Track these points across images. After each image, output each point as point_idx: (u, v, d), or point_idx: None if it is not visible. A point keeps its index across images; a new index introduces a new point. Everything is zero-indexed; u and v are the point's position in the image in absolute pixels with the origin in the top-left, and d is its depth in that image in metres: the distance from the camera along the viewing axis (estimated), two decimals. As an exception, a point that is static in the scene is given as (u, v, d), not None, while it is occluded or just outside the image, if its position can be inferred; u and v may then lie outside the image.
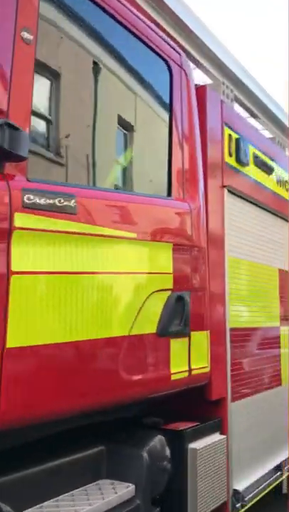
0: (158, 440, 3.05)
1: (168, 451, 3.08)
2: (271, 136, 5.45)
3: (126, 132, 3.12)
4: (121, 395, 2.57)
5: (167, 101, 3.28)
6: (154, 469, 2.90)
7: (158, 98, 3.31)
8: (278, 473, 4.48)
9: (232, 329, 3.88)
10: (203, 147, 3.63)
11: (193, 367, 3.18)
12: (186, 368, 3.12)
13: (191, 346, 3.18)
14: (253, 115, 5.36)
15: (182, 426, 3.38)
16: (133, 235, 2.65)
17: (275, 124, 5.42)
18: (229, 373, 3.79)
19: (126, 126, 3.12)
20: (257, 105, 4.96)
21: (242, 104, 4.89)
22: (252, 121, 5.41)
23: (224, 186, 3.91)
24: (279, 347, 4.80)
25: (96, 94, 2.92)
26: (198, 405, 3.61)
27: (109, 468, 2.74)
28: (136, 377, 2.64)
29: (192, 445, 3.25)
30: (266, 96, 5.02)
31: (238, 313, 4.04)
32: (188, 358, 3.14)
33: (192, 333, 3.19)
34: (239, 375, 3.95)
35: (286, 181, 5.20)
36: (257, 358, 4.27)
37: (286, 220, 5.22)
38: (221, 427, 3.66)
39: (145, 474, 2.73)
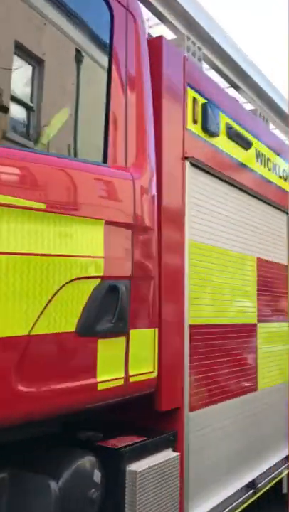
0: (85, 462, 2.48)
1: (98, 476, 2.51)
2: (252, 108, 4.84)
3: (53, 83, 2.52)
4: (19, 411, 1.99)
5: (107, 47, 2.68)
6: (75, 500, 2.34)
7: (97, 43, 2.70)
8: (251, 492, 3.91)
9: (192, 326, 3.30)
10: (157, 108, 3.04)
11: (132, 373, 2.60)
12: (122, 375, 2.53)
13: (130, 347, 2.59)
14: (233, 85, 4.74)
15: (124, 442, 2.81)
16: (39, 206, 2.06)
17: (258, 95, 4.80)
18: (187, 378, 3.20)
19: (52, 73, 2.52)
20: (234, 70, 4.34)
21: (218, 70, 4.28)
22: (233, 93, 4.79)
23: (185, 158, 3.31)
24: (255, 347, 4.22)
25: (18, 34, 2.33)
26: (151, 416, 3.04)
27: (12, 502, 2.17)
28: (41, 389, 2.05)
29: (132, 467, 2.68)
30: (245, 61, 4.40)
31: (201, 308, 3.45)
32: (124, 363, 2.56)
33: (132, 331, 2.61)
34: (200, 380, 3.37)
35: (269, 159, 4.59)
36: (225, 360, 3.68)
37: (269, 204, 4.63)
38: (174, 442, 3.09)
39: (55, 509, 2.16)
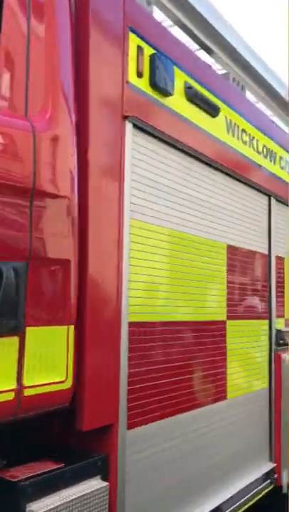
0: None
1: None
2: (224, 71, 4.21)
3: None
4: None
5: None
6: None
7: None
8: (215, 521, 3.29)
9: (134, 324, 2.69)
10: (83, 51, 2.43)
11: (28, 383, 1.99)
12: (12, 387, 1.92)
13: (27, 350, 1.98)
14: (204, 47, 4.12)
15: (31, 471, 2.20)
16: None
17: (233, 59, 4.17)
18: (125, 388, 2.59)
19: None
20: (202, 27, 3.73)
21: (182, 26, 3.66)
22: (205, 57, 4.16)
23: (125, 117, 2.70)
24: (224, 349, 3.59)
25: None
26: (78, 433, 2.43)
27: None
28: None
29: (33, 506, 2.07)
30: (215, 16, 3.78)
31: (148, 302, 2.83)
32: (17, 370, 1.94)
33: (29, 329, 2.00)
34: (146, 390, 2.75)
35: (244, 131, 3.96)
36: (181, 365, 3.06)
37: (246, 184, 4.01)
38: (105, 469, 2.47)
39: None
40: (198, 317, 3.27)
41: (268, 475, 4.09)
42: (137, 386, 2.69)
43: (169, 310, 2.98)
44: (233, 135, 3.81)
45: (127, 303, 2.64)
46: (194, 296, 3.24)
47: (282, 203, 4.61)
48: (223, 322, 3.60)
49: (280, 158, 4.61)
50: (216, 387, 3.45)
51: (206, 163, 3.44)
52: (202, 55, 4.21)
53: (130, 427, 2.62)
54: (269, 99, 5.07)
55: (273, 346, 4.31)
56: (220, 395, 3.49)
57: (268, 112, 5.39)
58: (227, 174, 3.71)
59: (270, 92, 4.75)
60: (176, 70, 3.11)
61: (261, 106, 5.28)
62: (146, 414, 2.75)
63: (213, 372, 3.41)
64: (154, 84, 2.89)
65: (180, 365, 3.04)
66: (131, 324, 2.67)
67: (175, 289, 3.05)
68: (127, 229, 2.68)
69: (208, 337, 3.39)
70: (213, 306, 3.49)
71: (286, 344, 4.46)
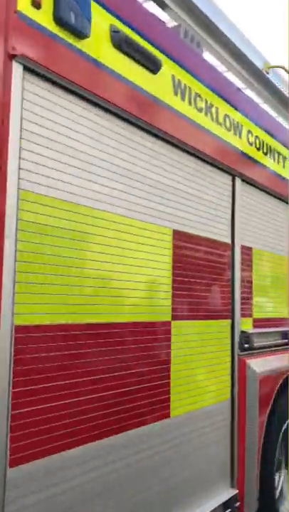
0: None
1: None
2: (175, 24, 3.56)
3: None
4: None
5: None
6: None
7: None
8: None
9: (22, 328, 2.05)
10: None
11: None
12: None
13: None
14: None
15: None
16: None
17: (189, 12, 3.51)
18: (5, 413, 1.95)
19: None
20: None
21: None
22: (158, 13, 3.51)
23: (12, 56, 2.06)
24: (167, 356, 2.95)
25: None
26: None
27: None
28: None
29: None
30: None
31: (48, 300, 2.19)
32: None
33: None
34: (40, 414, 2.11)
35: (199, 95, 3.31)
36: (101, 379, 2.42)
37: (202, 160, 3.38)
38: None
39: None
40: (129, 317, 2.62)
41: (227, 504, 3.46)
42: (26, 409, 2.05)
43: (82, 309, 2.33)
44: (183, 98, 3.16)
45: (13, 300, 2.01)
46: (122, 292, 2.60)
47: (250, 183, 3.96)
48: (167, 323, 2.96)
49: (248, 132, 3.96)
50: (154, 403, 2.80)
51: (145, 130, 2.80)
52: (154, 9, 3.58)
53: (14, 463, 1.98)
54: (239, 67, 4.42)
55: (237, 351, 3.67)
56: (160, 412, 2.85)
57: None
58: (172, 144, 3.07)
59: (234, 55, 4.09)
60: (96, 7, 2.47)
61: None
62: (42, 445, 2.11)
63: (149, 386, 2.77)
64: (58, 19, 2.25)
65: (98, 379, 2.39)
66: (19, 328, 2.03)
67: (91, 283, 2.40)
68: (14, 202, 2.04)
69: (144, 342, 2.75)
70: (153, 304, 2.84)
71: (253, 348, 3.82)
